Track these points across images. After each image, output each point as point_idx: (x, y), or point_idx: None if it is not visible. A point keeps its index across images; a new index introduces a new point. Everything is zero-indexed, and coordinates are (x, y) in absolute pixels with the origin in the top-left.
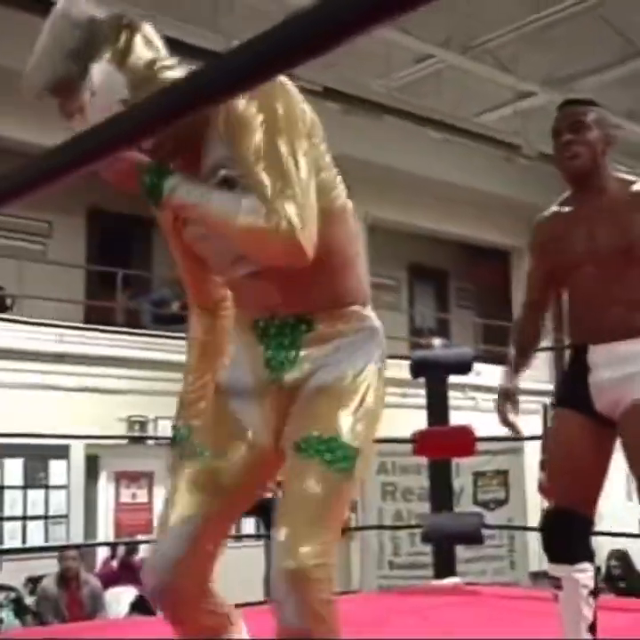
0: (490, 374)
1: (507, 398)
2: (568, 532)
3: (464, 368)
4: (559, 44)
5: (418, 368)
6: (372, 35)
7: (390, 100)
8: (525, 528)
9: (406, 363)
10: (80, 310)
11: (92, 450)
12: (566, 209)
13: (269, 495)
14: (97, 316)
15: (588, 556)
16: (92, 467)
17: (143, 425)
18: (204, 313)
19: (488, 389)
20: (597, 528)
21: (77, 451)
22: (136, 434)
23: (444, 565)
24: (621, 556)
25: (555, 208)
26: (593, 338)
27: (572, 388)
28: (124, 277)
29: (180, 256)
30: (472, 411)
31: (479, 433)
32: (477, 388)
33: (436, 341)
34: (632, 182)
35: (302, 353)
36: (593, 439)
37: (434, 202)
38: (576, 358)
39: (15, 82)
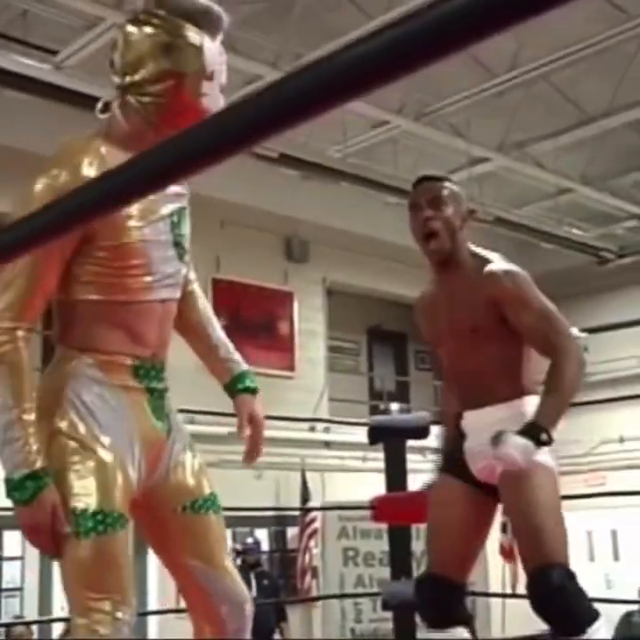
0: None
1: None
2: (442, 598)
3: (422, 433)
4: (512, 110)
5: (375, 434)
6: None
7: (346, 166)
8: (485, 594)
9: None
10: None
11: None
12: (432, 287)
13: None
14: None
15: (463, 620)
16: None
17: None
18: (30, 336)
19: None
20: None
21: None
22: None
23: (405, 633)
24: None
25: (427, 287)
26: (465, 406)
27: (451, 455)
28: None
29: (49, 265)
30: (432, 474)
31: None
32: (437, 451)
33: (394, 406)
34: (487, 261)
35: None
36: (470, 506)
37: (391, 265)
38: (455, 425)
39: None
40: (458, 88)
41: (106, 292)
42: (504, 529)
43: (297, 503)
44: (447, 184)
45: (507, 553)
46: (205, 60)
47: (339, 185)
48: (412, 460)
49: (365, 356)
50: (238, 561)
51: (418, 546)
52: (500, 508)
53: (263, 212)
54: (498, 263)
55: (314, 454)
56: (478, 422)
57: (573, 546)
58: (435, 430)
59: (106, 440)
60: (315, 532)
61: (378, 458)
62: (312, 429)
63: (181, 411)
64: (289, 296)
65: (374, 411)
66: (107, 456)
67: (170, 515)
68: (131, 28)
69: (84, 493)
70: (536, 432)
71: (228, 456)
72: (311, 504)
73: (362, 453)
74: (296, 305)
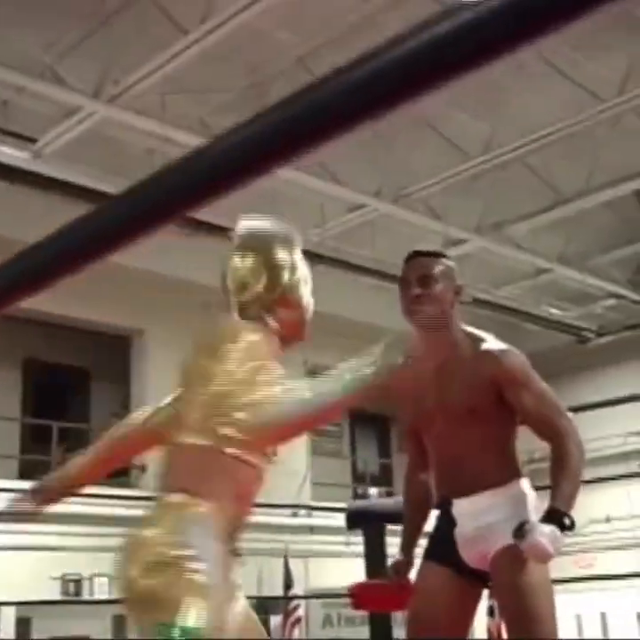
0: (432, 520)
1: (396, 572)
2: None
3: (400, 517)
4: (488, 192)
5: (353, 519)
6: (305, 185)
7: (324, 249)
8: None
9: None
10: (14, 465)
11: (23, 612)
12: (417, 365)
13: None
14: (32, 471)
15: None
16: (23, 630)
17: (78, 583)
18: None
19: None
20: None
21: (8, 613)
22: (71, 593)
23: None
24: None
25: (408, 364)
26: (455, 492)
27: (440, 541)
28: (60, 430)
29: None
30: (416, 557)
31: None
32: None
33: (372, 491)
34: (482, 340)
35: None
36: (456, 593)
37: (370, 347)
38: (443, 511)
39: None
40: (434, 171)
41: None
42: (491, 613)
43: (280, 590)
44: (439, 260)
45: (495, 636)
46: (298, 274)
47: (316, 268)
48: (396, 544)
49: (348, 439)
50: None
51: (400, 633)
52: (485, 592)
53: None
54: (495, 343)
55: (297, 540)
56: (471, 508)
57: (562, 630)
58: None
59: None
60: (298, 620)
61: (361, 542)
62: (295, 514)
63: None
64: None
65: (358, 494)
66: None
67: None
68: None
69: None
70: (559, 518)
71: None
72: (294, 590)
73: (345, 538)
74: None
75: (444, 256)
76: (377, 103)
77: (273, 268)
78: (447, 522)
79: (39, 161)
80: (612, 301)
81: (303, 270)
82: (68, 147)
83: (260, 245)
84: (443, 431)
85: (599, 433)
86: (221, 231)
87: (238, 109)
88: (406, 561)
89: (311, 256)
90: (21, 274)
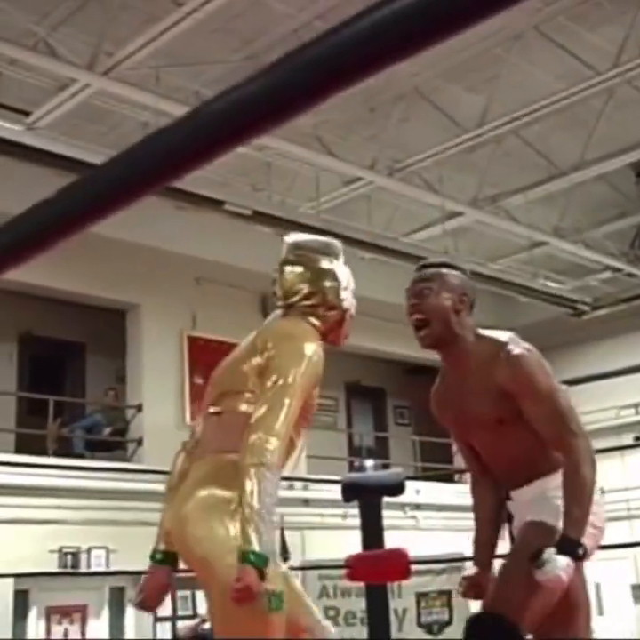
0: (429, 492)
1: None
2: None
3: (396, 490)
4: (483, 165)
5: (349, 491)
6: (300, 158)
7: (320, 222)
8: None
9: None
10: (11, 439)
11: (21, 584)
12: (444, 378)
13: (206, 626)
14: (28, 445)
15: None
16: (21, 602)
17: (76, 556)
18: None
19: (428, 507)
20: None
21: (5, 585)
22: (69, 565)
23: None
24: None
25: (440, 379)
26: (508, 487)
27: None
28: (56, 404)
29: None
30: (413, 530)
31: (420, 552)
32: (417, 507)
33: (368, 463)
34: (496, 344)
35: None
36: None
37: (368, 321)
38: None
39: None
40: (429, 144)
41: None
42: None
43: None
44: (440, 270)
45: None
46: (339, 279)
47: None
48: (393, 517)
49: (344, 412)
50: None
51: (399, 603)
52: None
53: (239, 269)
54: (506, 346)
55: (293, 512)
56: (521, 500)
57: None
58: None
59: None
60: None
61: (357, 514)
62: (291, 487)
63: (159, 472)
64: None
65: (354, 466)
66: None
67: None
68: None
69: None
70: (573, 548)
71: None
72: (291, 563)
73: (341, 510)
74: None
75: (448, 266)
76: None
77: (316, 275)
78: (508, 517)
79: (33, 134)
80: (607, 274)
81: (343, 276)
82: (62, 120)
83: (304, 255)
84: (484, 439)
85: (594, 406)
86: (215, 204)
87: (233, 82)
88: (480, 573)
89: (305, 229)
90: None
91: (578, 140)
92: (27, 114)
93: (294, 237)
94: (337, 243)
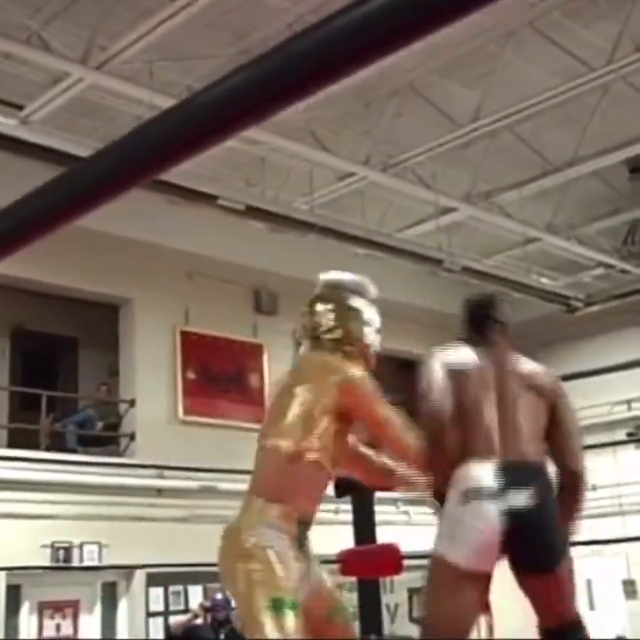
0: None
1: None
2: None
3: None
4: (477, 161)
5: (342, 487)
6: (294, 153)
7: (314, 218)
8: None
9: None
10: (3, 434)
11: (13, 579)
12: None
13: (199, 621)
14: (21, 439)
15: None
16: (13, 597)
17: (68, 550)
18: None
19: (421, 503)
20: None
21: None
22: (61, 560)
23: None
24: None
25: None
26: None
27: None
28: (48, 399)
29: None
30: (405, 525)
31: (412, 548)
32: (410, 502)
33: None
34: None
35: None
36: None
37: None
38: None
39: None
40: (423, 139)
41: None
42: None
43: None
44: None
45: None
46: (363, 317)
47: (306, 237)
48: (385, 512)
49: None
50: (208, 618)
51: (392, 599)
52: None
53: (232, 264)
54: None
55: None
56: None
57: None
58: None
59: None
60: None
61: (350, 510)
62: None
63: (151, 466)
64: (259, 348)
65: None
66: None
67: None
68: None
69: None
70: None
71: (199, 511)
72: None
73: (334, 506)
74: (266, 357)
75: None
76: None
77: (343, 312)
78: None
79: (26, 128)
80: (600, 270)
81: (369, 314)
82: (55, 114)
83: (335, 293)
84: None
85: (587, 402)
86: (207, 199)
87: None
88: None
89: (299, 224)
90: None
91: (572, 136)
92: (20, 108)
93: (328, 275)
94: (367, 282)
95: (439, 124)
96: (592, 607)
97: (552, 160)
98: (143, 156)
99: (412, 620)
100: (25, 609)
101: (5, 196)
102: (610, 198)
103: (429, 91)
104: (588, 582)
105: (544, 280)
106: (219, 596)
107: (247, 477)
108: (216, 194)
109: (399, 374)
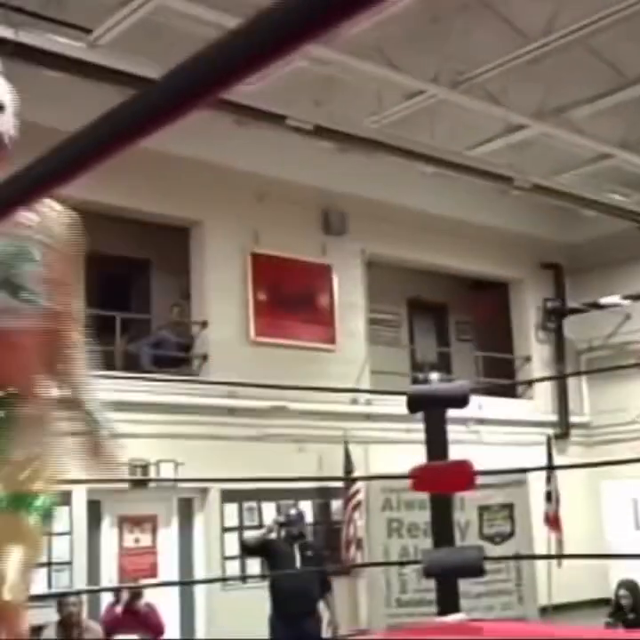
0: (492, 407)
1: None
2: None
3: (461, 402)
4: (548, 76)
5: (415, 403)
6: (362, 72)
7: (382, 137)
8: (527, 557)
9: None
10: None
11: (94, 495)
12: None
13: (273, 535)
14: (97, 361)
15: None
16: (95, 512)
17: (145, 468)
18: None
19: (491, 422)
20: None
21: (79, 496)
22: (138, 478)
23: (448, 601)
24: (632, 586)
25: None
26: None
27: None
28: (122, 321)
29: None
30: (476, 444)
31: (483, 466)
32: (480, 422)
33: (434, 376)
34: None
35: None
36: None
37: (429, 236)
38: None
39: None
40: (493, 55)
41: None
42: (548, 498)
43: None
44: None
45: (552, 522)
46: None
47: (375, 156)
48: (456, 431)
49: (406, 328)
50: (282, 532)
51: (462, 516)
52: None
53: (300, 185)
54: None
55: (356, 427)
56: None
57: (619, 514)
58: (479, 400)
59: None
60: (359, 503)
61: (421, 429)
62: (354, 402)
63: (225, 383)
64: (328, 269)
65: (419, 379)
66: None
67: None
68: None
69: None
70: None
71: (270, 430)
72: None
73: (405, 425)
74: (335, 278)
75: None
76: None
77: None
78: None
79: (95, 51)
80: None
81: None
82: (124, 36)
83: None
84: None
85: None
86: (275, 119)
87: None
88: None
89: (368, 144)
90: (65, 159)
91: None
92: (88, 31)
93: None
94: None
95: (510, 39)
96: (637, 526)
97: (626, 73)
98: (212, 75)
99: (482, 536)
100: (106, 523)
101: (75, 119)
102: None
103: (499, 4)
104: (635, 502)
105: (617, 197)
106: (292, 511)
107: (319, 396)
108: (284, 114)
109: (469, 295)
